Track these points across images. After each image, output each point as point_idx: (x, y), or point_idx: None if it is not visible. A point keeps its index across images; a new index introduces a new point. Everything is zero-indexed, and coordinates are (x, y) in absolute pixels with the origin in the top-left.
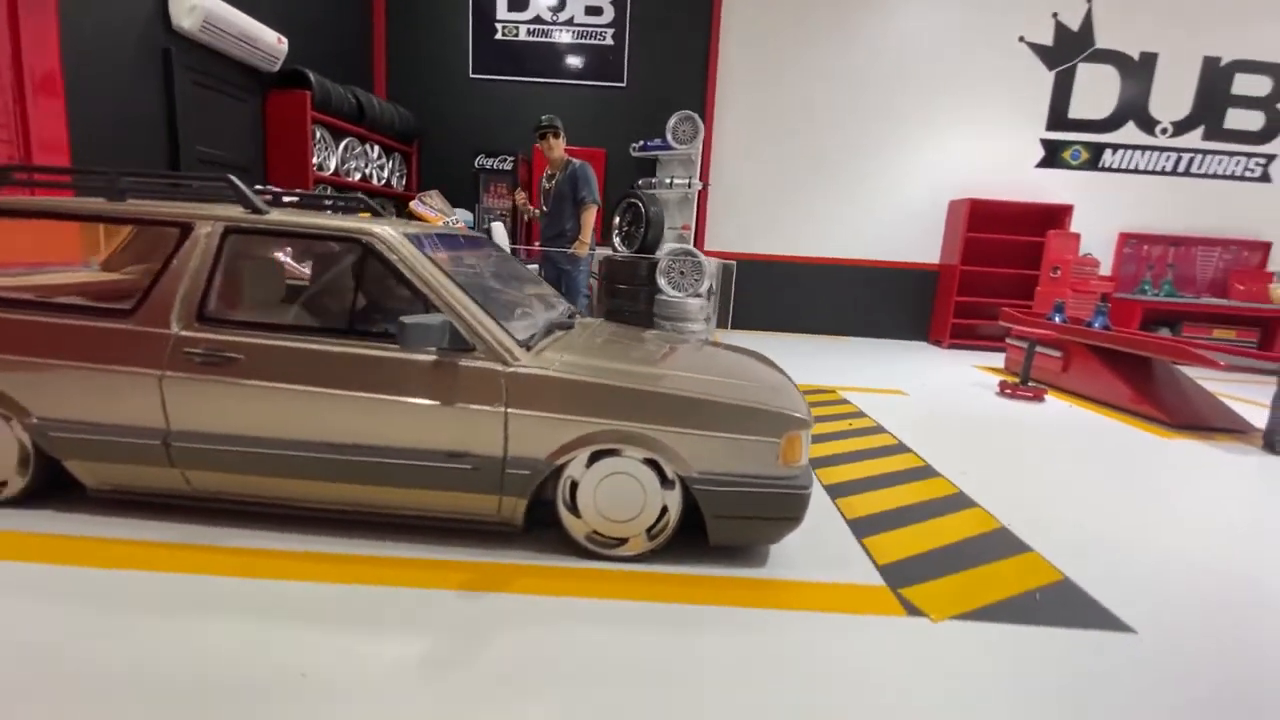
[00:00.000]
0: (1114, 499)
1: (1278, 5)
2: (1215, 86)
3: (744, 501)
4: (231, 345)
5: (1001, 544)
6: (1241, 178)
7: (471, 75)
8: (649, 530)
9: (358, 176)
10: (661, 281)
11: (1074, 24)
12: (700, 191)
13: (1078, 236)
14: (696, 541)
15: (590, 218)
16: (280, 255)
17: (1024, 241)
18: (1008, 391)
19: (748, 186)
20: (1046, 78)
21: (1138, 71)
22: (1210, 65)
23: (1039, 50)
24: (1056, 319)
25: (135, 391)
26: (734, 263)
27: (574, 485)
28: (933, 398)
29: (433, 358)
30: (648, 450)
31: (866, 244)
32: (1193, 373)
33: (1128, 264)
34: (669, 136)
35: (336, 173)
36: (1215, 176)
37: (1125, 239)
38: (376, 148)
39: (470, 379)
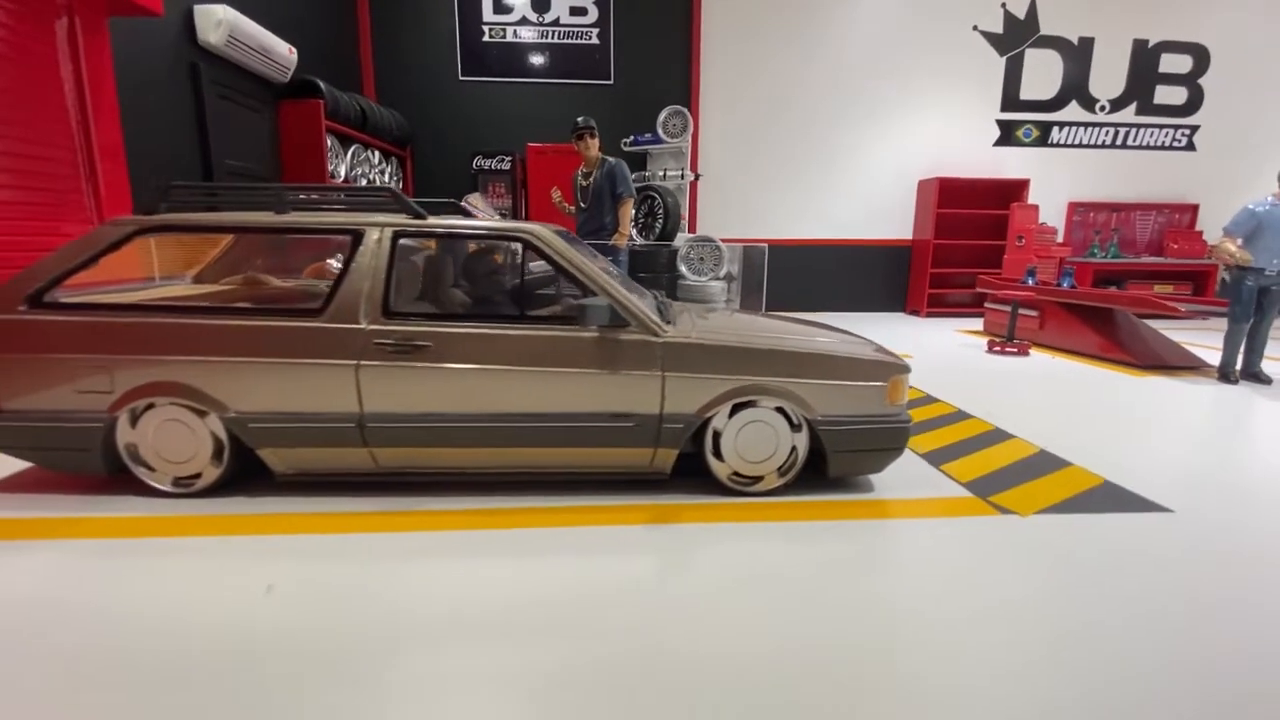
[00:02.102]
0: (1116, 424)
1: None
2: (1144, 66)
3: (859, 437)
4: (420, 334)
5: (1046, 462)
6: (1170, 147)
7: (461, 77)
8: (779, 468)
9: (363, 183)
10: (682, 268)
11: (1020, 13)
12: (691, 182)
13: (1037, 208)
14: (814, 479)
15: (628, 211)
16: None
17: (988, 215)
18: (996, 349)
19: (730, 176)
20: (999, 63)
21: (1078, 55)
22: (1139, 47)
23: (991, 38)
24: (1030, 282)
25: (333, 381)
26: (765, 246)
27: (717, 434)
28: (934, 359)
29: (595, 334)
30: (781, 399)
31: (842, 224)
32: (1154, 322)
33: (1077, 230)
34: (660, 131)
35: (346, 179)
36: (1148, 148)
37: (1074, 208)
38: (376, 153)
39: (631, 350)
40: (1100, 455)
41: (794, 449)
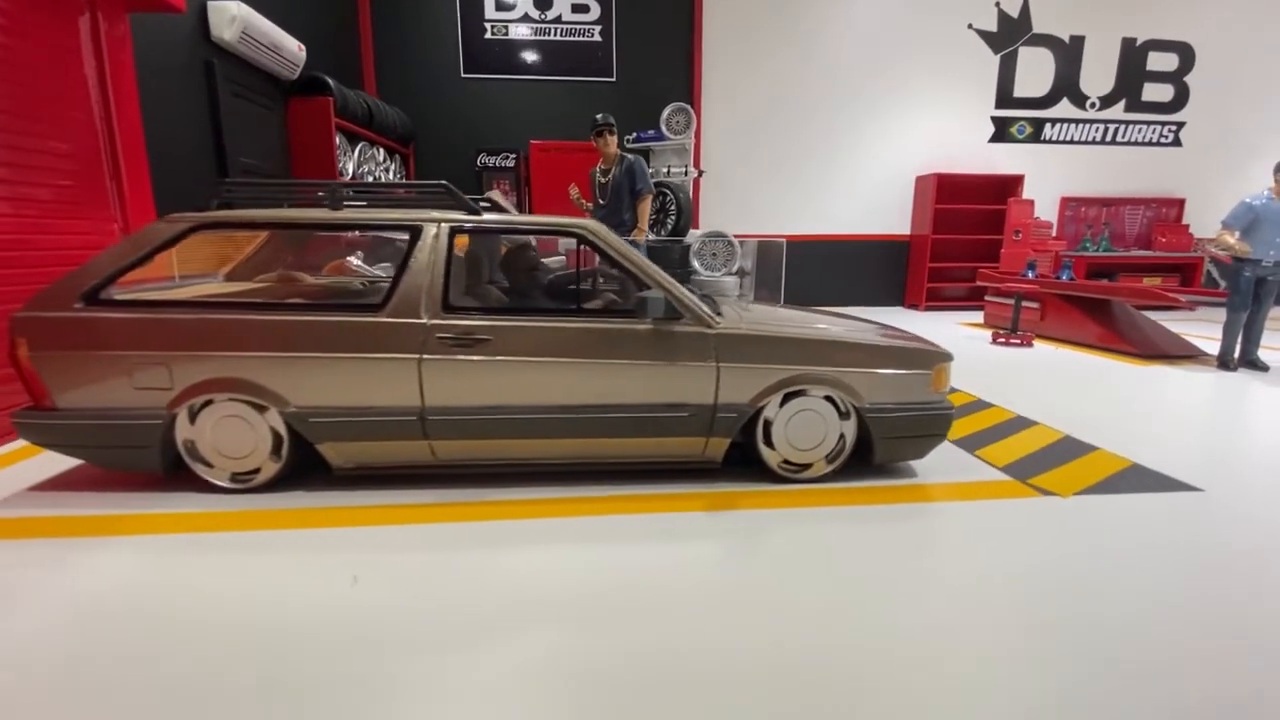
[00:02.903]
0: (1129, 410)
1: None
2: (1133, 64)
3: (905, 424)
4: (480, 328)
5: (1073, 447)
6: (1158, 144)
7: (463, 75)
8: (828, 455)
9: (369, 180)
10: (695, 264)
11: (1014, 11)
12: (695, 179)
13: (1033, 203)
14: (855, 466)
15: (647, 207)
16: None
17: (985, 210)
18: (1000, 340)
19: (732, 172)
20: (993, 61)
21: (1069, 53)
22: (1128, 45)
23: (985, 36)
24: (1030, 275)
25: (396, 375)
26: (784, 242)
27: (768, 423)
28: None
29: (649, 326)
30: (830, 388)
31: (842, 220)
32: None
33: (1069, 225)
34: (664, 128)
35: (354, 177)
36: (1136, 144)
37: (1066, 202)
38: (381, 151)
39: (685, 341)
40: (1121, 440)
41: (842, 436)
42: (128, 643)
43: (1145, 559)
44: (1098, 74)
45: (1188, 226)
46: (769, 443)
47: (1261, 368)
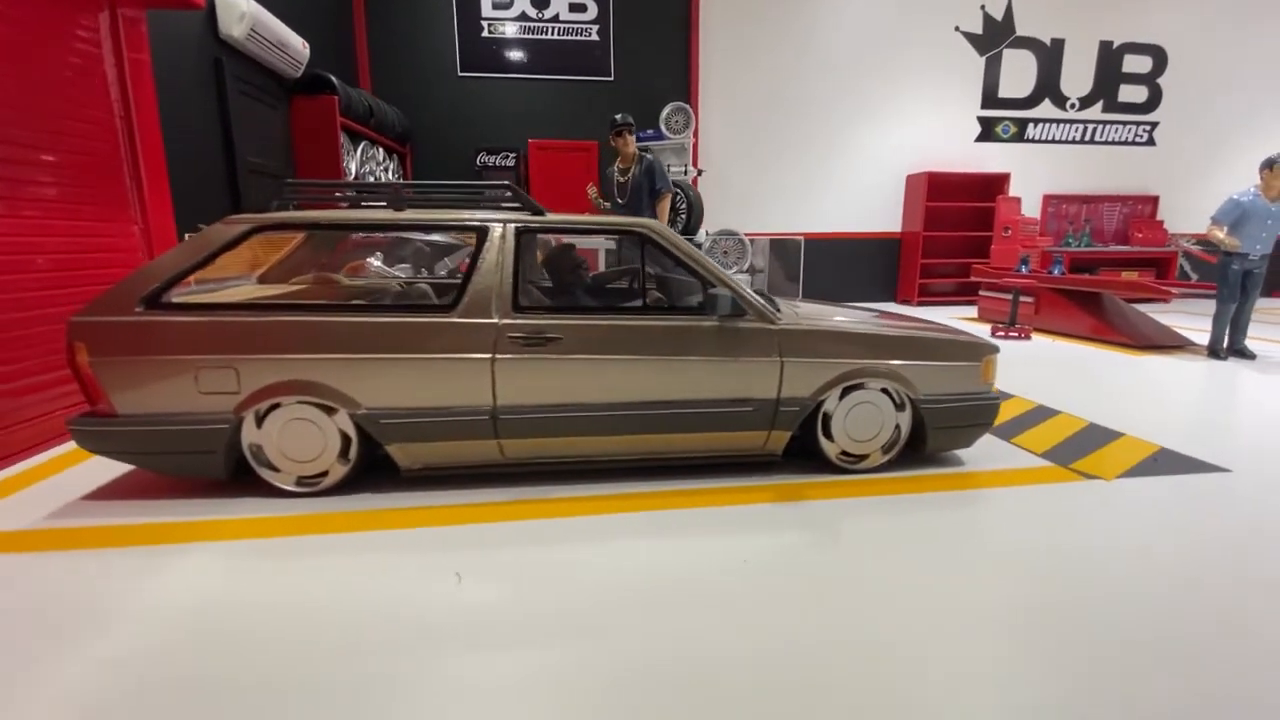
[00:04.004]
0: (1139, 398)
1: None
2: (1109, 66)
3: (956, 414)
4: (550, 327)
5: (1100, 434)
6: (1133, 143)
7: (459, 73)
8: (883, 446)
9: (370, 180)
10: None
11: (998, 14)
12: (693, 178)
13: (1020, 200)
14: (908, 458)
15: (666, 206)
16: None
17: (973, 207)
18: (1000, 334)
19: (729, 171)
20: (979, 62)
21: (1050, 55)
22: (1105, 48)
23: (971, 38)
24: (1024, 270)
25: (469, 375)
26: (801, 240)
27: (827, 416)
28: None
29: (715, 323)
30: (887, 380)
31: (835, 218)
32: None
33: (1052, 221)
34: (663, 127)
35: (357, 176)
36: (1113, 143)
37: (1049, 200)
38: (380, 150)
39: (750, 337)
40: (1141, 426)
41: (898, 427)
42: (246, 647)
43: (1199, 534)
44: (1077, 76)
45: (1162, 222)
46: (828, 435)
47: (1249, 356)
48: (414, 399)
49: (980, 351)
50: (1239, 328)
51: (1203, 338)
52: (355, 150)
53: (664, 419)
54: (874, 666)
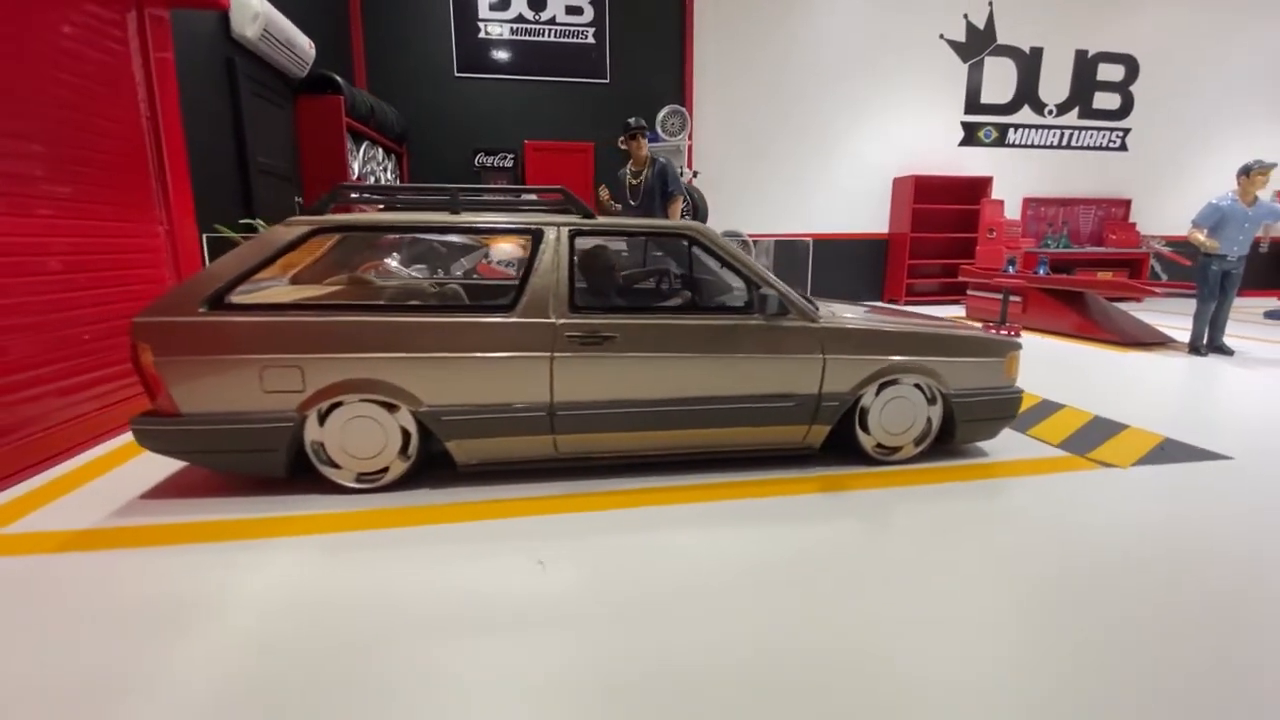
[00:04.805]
0: (1134, 391)
1: (1125, 8)
2: (1085, 74)
3: (984, 408)
4: (605, 326)
5: (1106, 426)
6: (1107, 148)
7: (456, 74)
8: (916, 439)
9: (371, 180)
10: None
11: (980, 23)
12: (689, 180)
13: (1003, 203)
14: (935, 450)
15: (678, 208)
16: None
17: (957, 210)
18: (991, 331)
19: (722, 173)
20: (962, 69)
21: (1029, 63)
22: (1081, 57)
23: (955, 46)
24: (1011, 270)
25: (529, 372)
26: (810, 241)
27: (864, 410)
28: None
29: (761, 322)
30: (920, 376)
31: (824, 219)
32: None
33: (1032, 223)
34: (659, 129)
35: (359, 177)
36: (1088, 148)
37: (1028, 203)
38: (380, 150)
39: (795, 335)
40: (1141, 417)
41: (929, 420)
42: (361, 634)
43: (1217, 513)
44: (1054, 83)
45: (1134, 225)
46: (864, 428)
47: (1227, 352)
48: (476, 396)
49: (1004, 348)
50: (1218, 325)
51: (1179, 334)
52: (358, 150)
53: (712, 414)
54: (955, 648)
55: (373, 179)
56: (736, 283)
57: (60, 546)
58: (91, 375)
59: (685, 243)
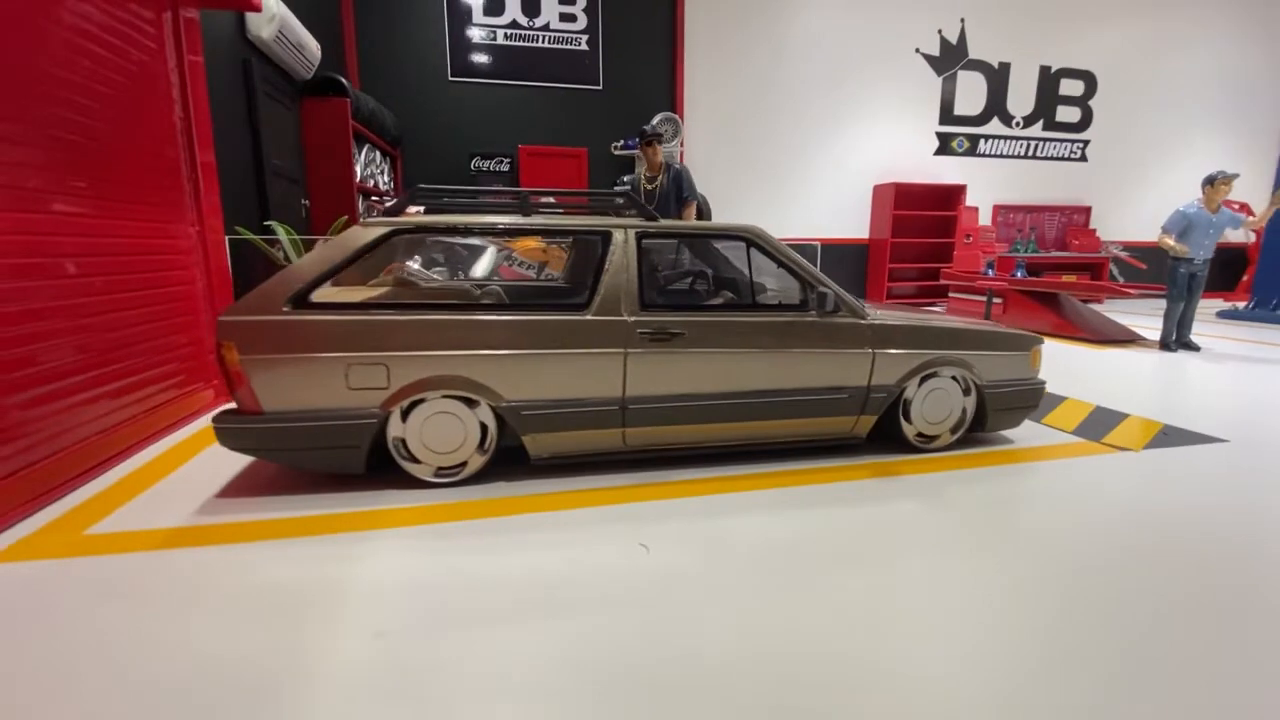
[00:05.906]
0: (1122, 384)
1: (1085, 26)
2: (1048, 88)
3: (1012, 398)
4: (674, 323)
5: (1109, 416)
6: (1069, 159)
7: (450, 78)
8: (952, 428)
9: (371, 183)
10: None
11: (953, 38)
12: None
13: (978, 210)
14: (965, 439)
15: (692, 213)
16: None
17: (935, 216)
18: None
19: (709, 179)
20: (936, 82)
21: (998, 77)
22: (1045, 72)
23: (930, 59)
24: (990, 274)
25: (603, 368)
26: (818, 245)
27: (907, 401)
28: None
29: (816, 318)
30: (957, 369)
31: (808, 224)
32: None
33: (1002, 229)
34: None
35: (362, 179)
36: (1052, 159)
37: (999, 210)
38: (378, 152)
39: (847, 331)
40: (1138, 407)
41: (964, 410)
42: (492, 615)
43: (1229, 488)
44: (1021, 97)
45: (1095, 230)
46: (907, 418)
47: (1194, 349)
48: (553, 391)
49: (1029, 343)
50: (1185, 324)
51: (1149, 333)
52: (360, 152)
53: (772, 406)
54: (1036, 610)
55: (372, 181)
56: (771, 283)
57: (163, 544)
58: (140, 376)
59: (744, 244)
